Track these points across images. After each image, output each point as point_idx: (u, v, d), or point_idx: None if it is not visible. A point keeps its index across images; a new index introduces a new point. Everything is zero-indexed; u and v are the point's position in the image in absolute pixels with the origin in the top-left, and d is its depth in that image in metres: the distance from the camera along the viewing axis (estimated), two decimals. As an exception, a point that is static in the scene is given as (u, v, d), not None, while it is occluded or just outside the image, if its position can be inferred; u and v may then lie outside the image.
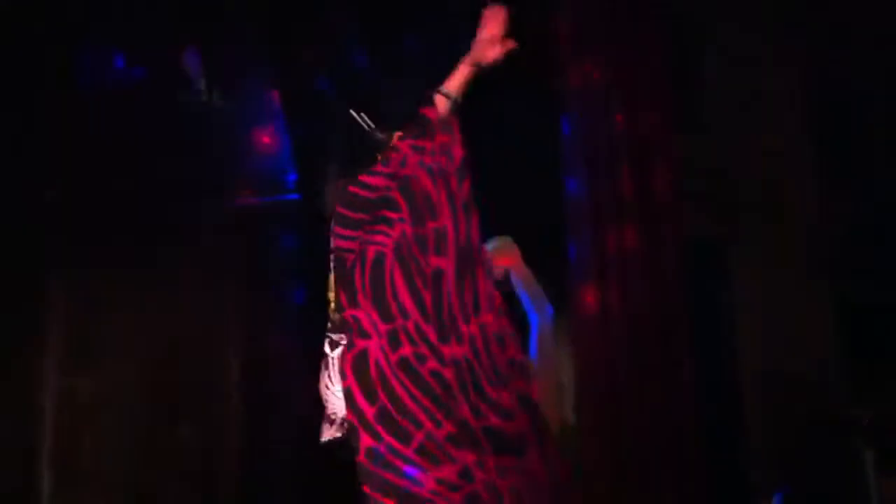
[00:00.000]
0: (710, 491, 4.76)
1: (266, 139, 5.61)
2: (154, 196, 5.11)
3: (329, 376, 2.81)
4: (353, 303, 2.67)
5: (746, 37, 5.17)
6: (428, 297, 2.66)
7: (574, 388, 4.82)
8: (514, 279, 4.62)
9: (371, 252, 2.69)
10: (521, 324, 4.71)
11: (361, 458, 2.58)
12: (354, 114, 3.00)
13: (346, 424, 2.69)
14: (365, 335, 2.64)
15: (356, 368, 2.63)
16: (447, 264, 2.70)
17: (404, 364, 2.63)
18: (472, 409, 2.63)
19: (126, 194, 5.08)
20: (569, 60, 5.52)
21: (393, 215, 2.72)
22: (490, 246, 4.64)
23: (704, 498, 4.75)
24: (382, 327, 2.64)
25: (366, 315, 2.65)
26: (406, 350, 2.64)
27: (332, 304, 2.86)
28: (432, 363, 2.63)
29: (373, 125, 3.02)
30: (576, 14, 5.49)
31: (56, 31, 4.98)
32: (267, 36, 5.30)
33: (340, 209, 2.79)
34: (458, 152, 2.88)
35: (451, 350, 2.65)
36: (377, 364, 2.63)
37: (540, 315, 4.57)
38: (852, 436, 4.61)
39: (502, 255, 4.66)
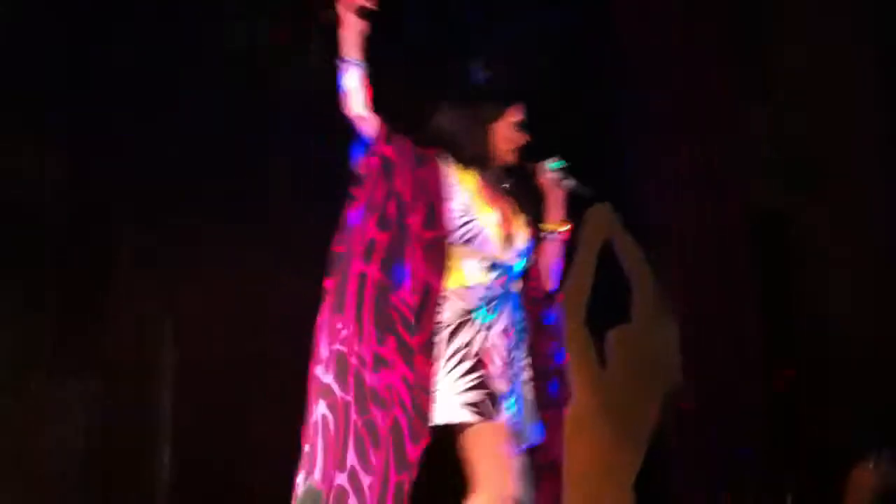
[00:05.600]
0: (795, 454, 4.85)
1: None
2: (232, 158, 5.07)
3: None
4: None
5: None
6: None
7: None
8: (615, 244, 4.75)
9: None
10: (619, 287, 4.85)
11: None
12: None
13: None
14: None
15: None
16: None
17: None
18: None
19: (201, 157, 5.04)
20: (628, 28, 5.51)
21: None
22: (588, 213, 4.75)
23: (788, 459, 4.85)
24: None
25: None
26: None
27: None
28: None
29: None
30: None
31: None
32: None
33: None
34: None
35: None
36: None
37: (640, 279, 4.72)
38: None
39: (599, 220, 4.78)
